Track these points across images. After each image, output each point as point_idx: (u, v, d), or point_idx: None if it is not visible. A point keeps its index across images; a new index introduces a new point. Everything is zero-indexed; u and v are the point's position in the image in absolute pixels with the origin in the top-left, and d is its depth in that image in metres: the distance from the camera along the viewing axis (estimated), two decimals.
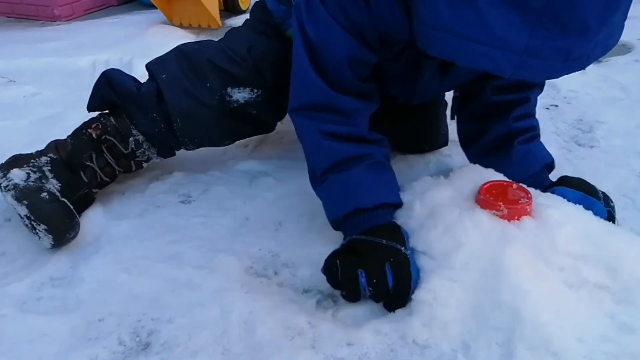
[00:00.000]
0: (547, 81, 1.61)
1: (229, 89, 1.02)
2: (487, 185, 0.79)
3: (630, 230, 0.93)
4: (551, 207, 0.80)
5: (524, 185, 0.80)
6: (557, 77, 0.67)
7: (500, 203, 0.75)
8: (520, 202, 0.76)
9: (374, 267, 0.77)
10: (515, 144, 0.97)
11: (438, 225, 0.79)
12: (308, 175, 0.94)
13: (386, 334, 0.75)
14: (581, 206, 0.83)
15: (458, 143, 1.25)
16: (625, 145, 1.26)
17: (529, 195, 0.77)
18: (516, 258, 0.73)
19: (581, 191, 0.89)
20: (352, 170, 0.87)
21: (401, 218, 0.85)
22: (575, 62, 0.64)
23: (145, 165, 1.10)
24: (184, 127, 1.03)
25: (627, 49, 1.91)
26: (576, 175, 1.11)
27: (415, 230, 0.82)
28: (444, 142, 1.23)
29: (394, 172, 0.93)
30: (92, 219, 0.99)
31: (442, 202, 0.82)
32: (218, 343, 0.75)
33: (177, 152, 1.13)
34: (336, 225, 0.90)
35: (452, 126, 1.21)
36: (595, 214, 0.84)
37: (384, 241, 0.78)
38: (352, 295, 0.79)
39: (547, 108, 1.46)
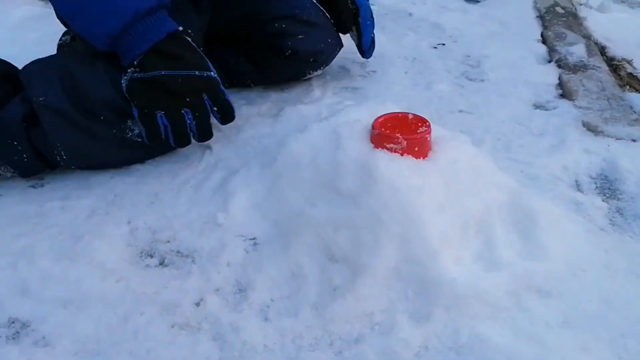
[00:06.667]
0: (432, 22, 1.59)
1: (129, 122, 0.85)
2: (381, 118, 0.71)
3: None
4: (444, 141, 0.74)
5: (420, 115, 0.72)
6: None
7: (398, 135, 0.67)
8: (419, 131, 0.68)
9: (200, 108, 0.82)
10: None
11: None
12: None
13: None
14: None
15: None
16: (512, 75, 1.26)
17: (427, 124, 0.69)
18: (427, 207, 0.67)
19: None
20: None
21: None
22: None
23: None
24: (70, 159, 0.85)
25: None
26: (471, 109, 1.10)
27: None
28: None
29: None
30: None
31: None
32: (87, 347, 0.61)
33: None
34: (110, 44, 0.80)
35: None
36: (364, 7, 1.12)
37: (197, 73, 0.80)
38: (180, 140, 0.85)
39: (435, 47, 1.43)
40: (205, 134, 0.86)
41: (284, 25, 1.07)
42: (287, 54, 1.08)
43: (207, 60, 0.84)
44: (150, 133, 0.83)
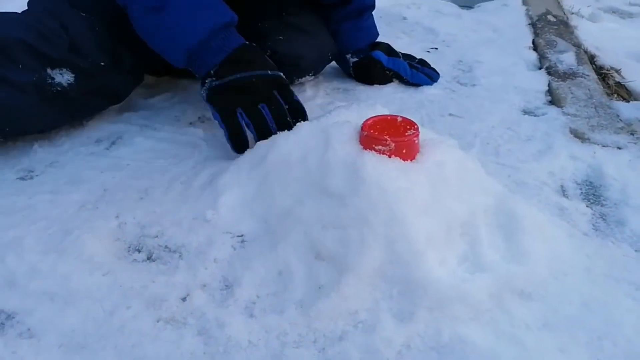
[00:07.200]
0: (426, 27, 1.60)
1: (48, 70, 0.87)
2: (371, 120, 0.71)
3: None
4: (433, 144, 0.75)
5: (410, 118, 0.73)
6: None
7: (387, 137, 0.67)
8: (407, 134, 0.69)
9: (276, 103, 0.86)
10: (364, 17, 1.17)
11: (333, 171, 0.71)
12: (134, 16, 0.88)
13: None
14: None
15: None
16: (503, 81, 1.27)
17: (416, 127, 0.70)
18: (412, 208, 0.67)
19: (389, 55, 1.21)
20: None
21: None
22: None
23: None
24: None
25: None
26: (461, 113, 1.11)
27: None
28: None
29: None
30: None
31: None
32: (72, 340, 0.61)
33: None
34: (187, 58, 0.87)
35: None
36: (402, 69, 1.21)
37: (269, 72, 0.88)
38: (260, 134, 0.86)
39: (428, 51, 1.44)
40: (284, 124, 0.86)
41: (266, 25, 1.08)
42: (266, 54, 1.08)
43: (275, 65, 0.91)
44: (232, 131, 0.87)
